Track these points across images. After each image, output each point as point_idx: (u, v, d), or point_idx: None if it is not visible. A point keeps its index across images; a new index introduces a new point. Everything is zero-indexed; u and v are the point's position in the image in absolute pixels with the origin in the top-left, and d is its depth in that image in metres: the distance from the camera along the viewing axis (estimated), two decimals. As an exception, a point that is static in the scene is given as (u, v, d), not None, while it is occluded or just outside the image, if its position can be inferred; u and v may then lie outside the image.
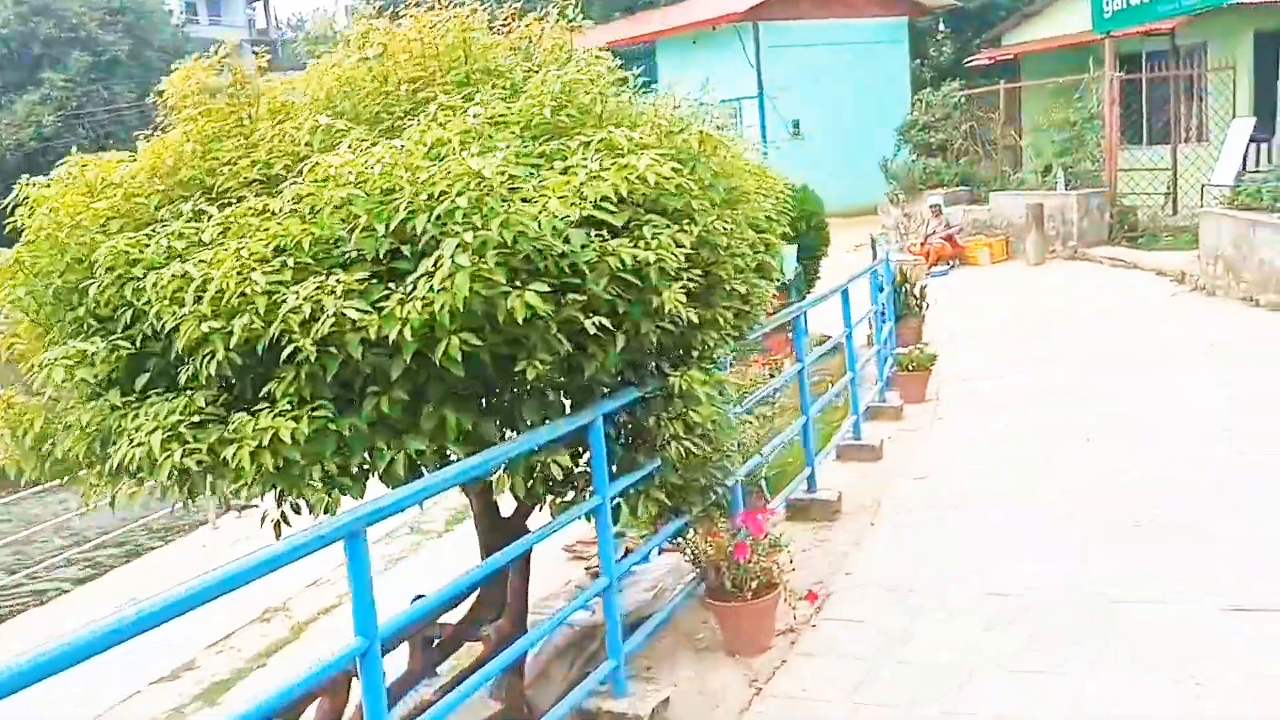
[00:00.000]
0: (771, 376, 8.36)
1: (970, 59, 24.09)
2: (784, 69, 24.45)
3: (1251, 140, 14.72)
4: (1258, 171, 13.70)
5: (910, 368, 9.05)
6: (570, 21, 4.66)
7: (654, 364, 4.22)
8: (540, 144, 3.90)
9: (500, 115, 3.79)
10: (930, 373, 9.16)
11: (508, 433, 3.79)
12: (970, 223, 17.72)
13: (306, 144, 3.86)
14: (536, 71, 4.33)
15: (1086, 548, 5.43)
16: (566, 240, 3.42)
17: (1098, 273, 14.74)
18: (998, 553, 5.45)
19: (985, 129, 19.57)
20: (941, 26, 27.26)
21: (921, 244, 17.38)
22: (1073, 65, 18.28)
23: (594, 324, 3.46)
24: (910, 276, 11.72)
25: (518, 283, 3.28)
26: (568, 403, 3.88)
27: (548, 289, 3.27)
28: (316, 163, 3.40)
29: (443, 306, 3.12)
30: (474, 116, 3.60)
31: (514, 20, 4.84)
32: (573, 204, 3.46)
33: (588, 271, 3.50)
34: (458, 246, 3.13)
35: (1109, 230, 15.93)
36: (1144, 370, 9.33)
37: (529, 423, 3.65)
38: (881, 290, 10.17)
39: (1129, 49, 18.11)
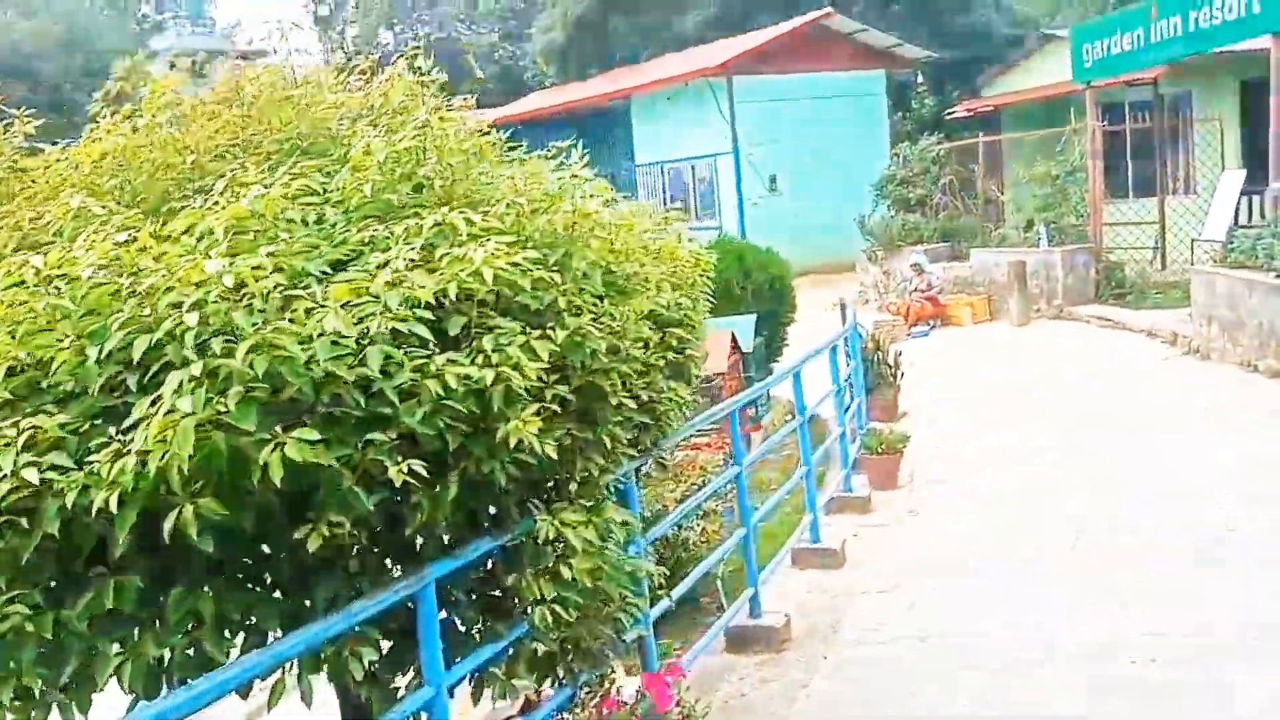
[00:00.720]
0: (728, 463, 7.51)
1: (949, 111, 23.54)
2: (760, 124, 23.86)
3: (1242, 193, 14.00)
4: (1250, 226, 12.96)
5: (879, 450, 8.18)
6: (421, 73, 3.82)
7: (519, 503, 3.34)
8: (361, 230, 3.05)
9: (301, 194, 2.94)
10: (901, 455, 8.29)
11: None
12: (951, 280, 16.95)
13: (56, 233, 3.00)
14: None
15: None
16: (363, 362, 2.56)
17: (1085, 334, 13.94)
18: (975, 702, 4.54)
19: (967, 184, 18.91)
20: (920, 79, 26.71)
21: (903, 304, 16.59)
22: (1054, 117, 17.66)
23: (401, 471, 2.59)
24: (882, 343, 10.89)
25: (281, 427, 2.42)
26: (396, 567, 3.00)
27: (316, 436, 2.39)
28: (24, 261, 2.54)
29: (167, 462, 2.25)
30: (251, 200, 2.73)
31: (370, 76, 4.02)
32: (371, 313, 2.60)
33: (397, 402, 2.64)
34: (184, 381, 2.27)
35: (1095, 287, 15.16)
36: (1135, 444, 8.51)
37: (326, 602, 2.75)
38: (850, 361, 9.35)
39: (1111, 99, 17.49)
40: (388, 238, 3.02)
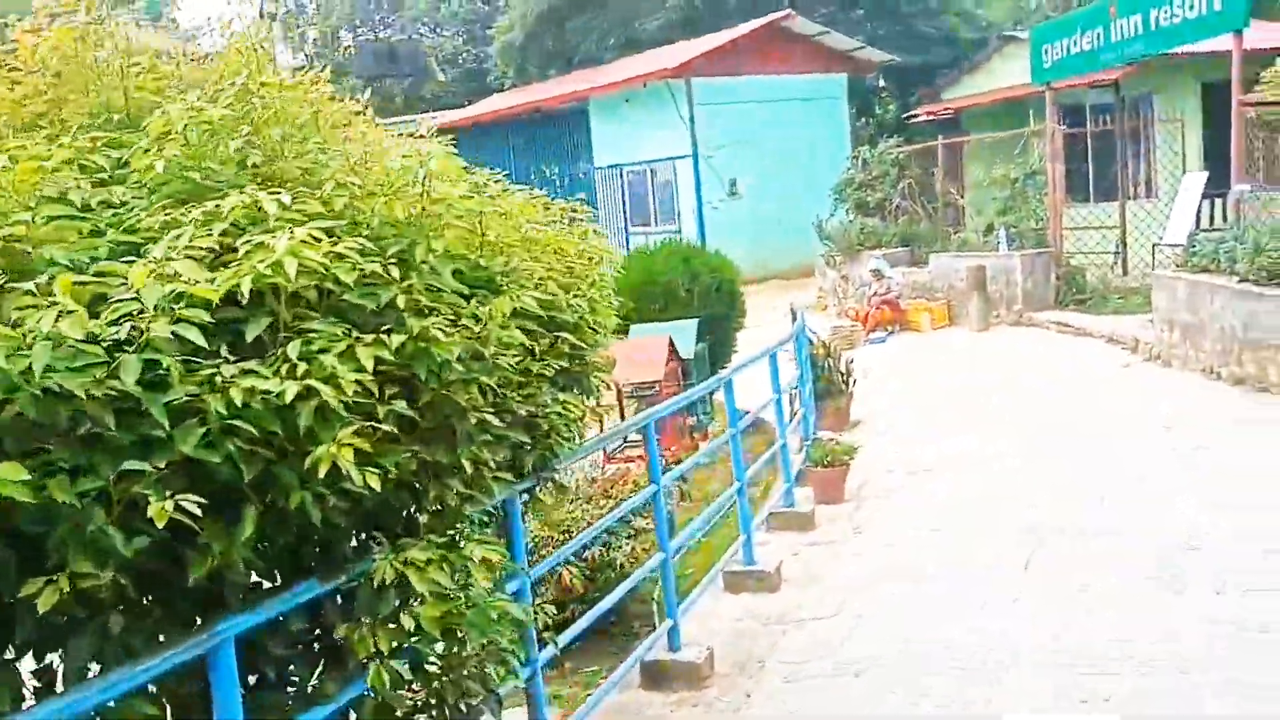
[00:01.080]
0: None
1: (910, 115, 23.25)
2: (719, 127, 23.46)
3: (1204, 196, 13.70)
4: (1213, 230, 12.65)
5: (824, 463, 7.72)
6: (268, 18, 3.28)
7: (358, 540, 2.84)
8: (154, 216, 2.54)
9: (66, 166, 2.43)
10: (848, 467, 7.83)
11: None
12: (910, 285, 16.57)
13: None
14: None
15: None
16: (117, 374, 2.06)
17: (1045, 340, 13.58)
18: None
19: (927, 188, 18.56)
20: (883, 83, 26.45)
21: (861, 309, 16.20)
22: (1014, 119, 17.36)
23: (165, 509, 2.08)
24: (833, 349, 10.45)
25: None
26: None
27: (23, 473, 1.88)
28: None
29: None
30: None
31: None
32: (127, 314, 2.10)
33: (165, 423, 2.13)
34: None
35: (1056, 292, 14.82)
36: (1096, 451, 8.14)
37: (78, 670, 2.23)
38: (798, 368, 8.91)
39: (1072, 101, 17.21)
40: (189, 224, 2.51)
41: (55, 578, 2.05)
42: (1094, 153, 17.17)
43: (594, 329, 3.98)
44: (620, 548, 6.49)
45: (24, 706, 2.20)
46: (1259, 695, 4.22)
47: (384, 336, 2.54)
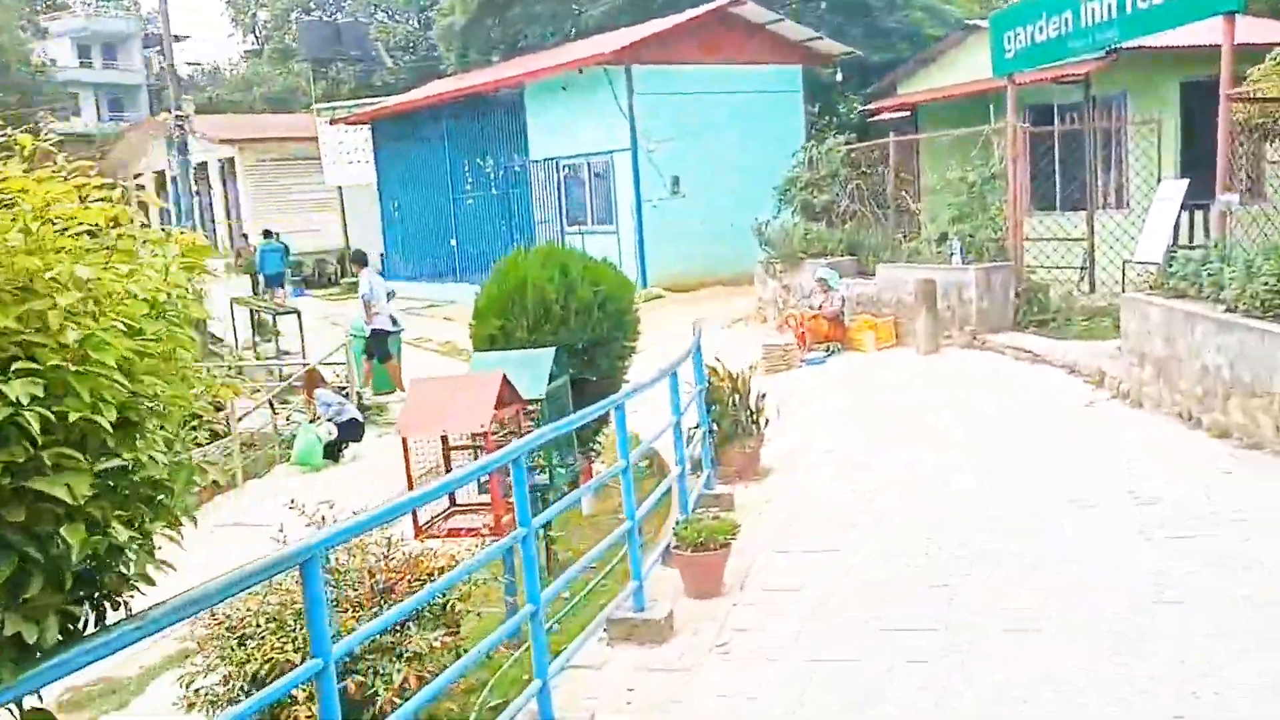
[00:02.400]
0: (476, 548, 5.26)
1: (873, 113, 21.55)
2: (662, 119, 21.65)
3: (1183, 207, 12.01)
4: (1193, 246, 10.99)
5: (696, 543, 5.92)
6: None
7: None
8: None
9: None
10: (729, 550, 6.04)
11: None
12: (855, 298, 14.85)
13: None
14: None
15: None
16: None
17: (999, 366, 11.87)
18: None
19: (881, 190, 16.82)
20: (841, 77, 24.69)
21: (797, 323, 14.46)
22: (977, 117, 15.68)
23: None
24: (741, 381, 8.68)
25: None
26: None
27: None
28: None
29: None
30: None
31: None
32: None
33: None
34: None
35: (1015, 312, 13.13)
36: (1053, 516, 6.41)
37: None
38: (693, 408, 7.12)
39: (1039, 100, 15.56)
40: None
41: None
42: (1061, 156, 15.51)
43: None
44: (389, 676, 4.72)
45: None
46: None
47: None
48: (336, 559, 5.32)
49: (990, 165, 13.67)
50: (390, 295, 15.48)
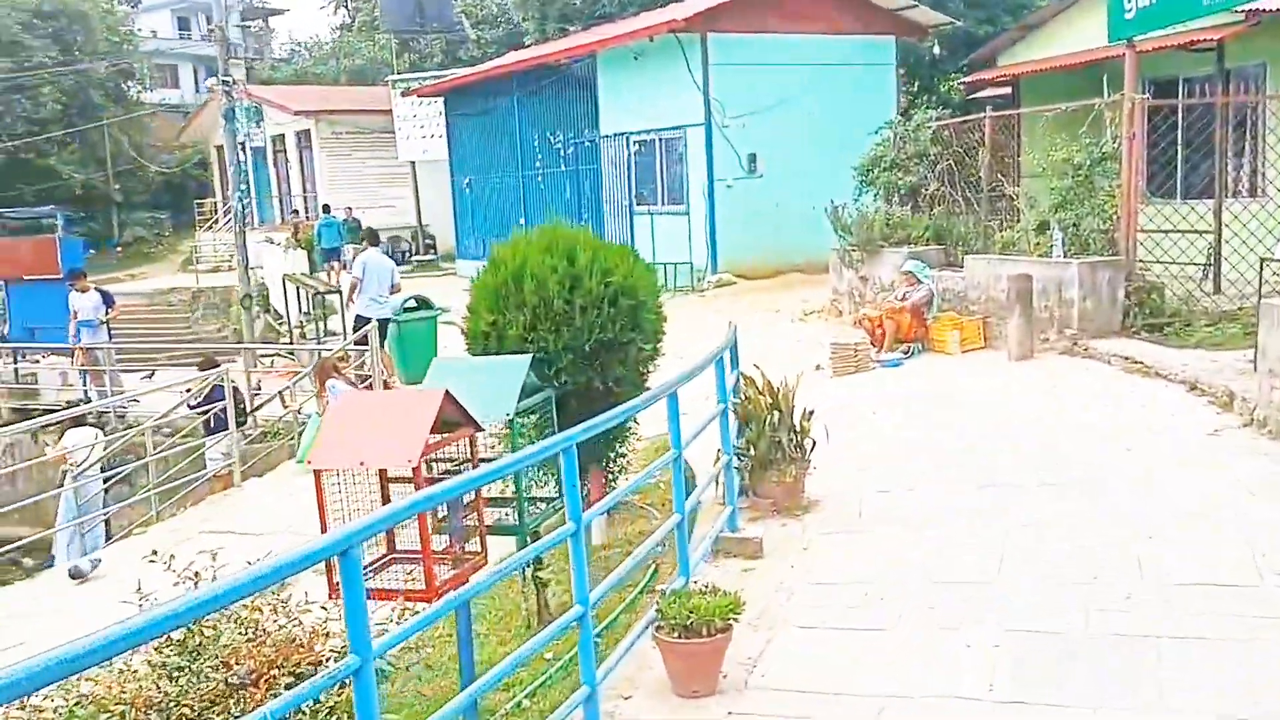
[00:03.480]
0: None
1: (967, 84, 19.65)
2: (740, 92, 20.05)
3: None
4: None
5: (685, 625, 4.49)
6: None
7: None
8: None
9: None
10: (728, 636, 4.58)
11: None
12: (942, 293, 13.17)
13: None
14: None
15: None
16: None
17: (1102, 379, 10.13)
18: None
19: (976, 172, 15.00)
20: (938, 50, 22.77)
21: (873, 319, 12.86)
22: (1085, 91, 13.79)
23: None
24: (783, 395, 7.19)
25: None
26: None
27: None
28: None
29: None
30: None
31: None
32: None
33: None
34: None
35: (1124, 315, 11.34)
36: (1155, 598, 4.83)
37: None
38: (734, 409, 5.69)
39: (1162, 71, 13.62)
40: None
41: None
42: (1185, 136, 13.53)
43: None
44: None
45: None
46: None
47: None
48: (214, 627, 4.07)
49: (1101, 145, 11.83)
50: (394, 287, 14.22)
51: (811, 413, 7.29)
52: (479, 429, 4.93)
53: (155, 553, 4.19)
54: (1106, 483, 7.02)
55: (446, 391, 4.68)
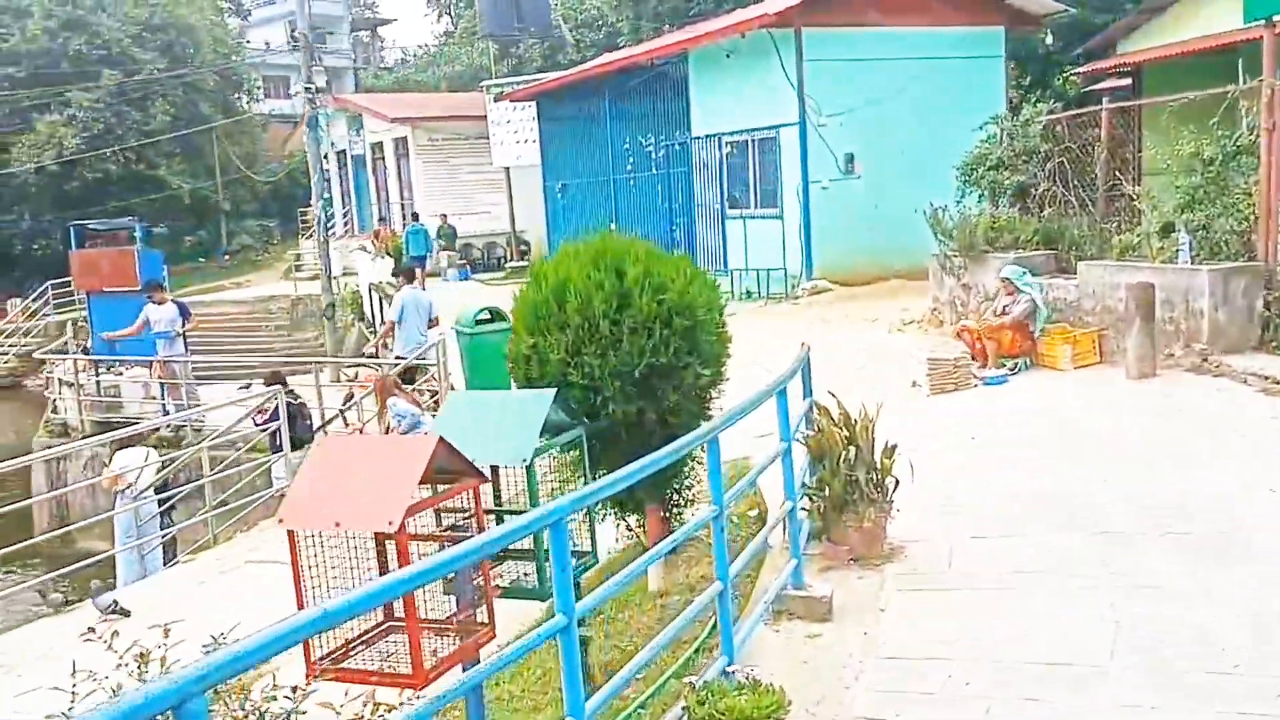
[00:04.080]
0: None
1: (1084, 75, 18.29)
2: (836, 90, 19.02)
3: None
4: None
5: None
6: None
7: None
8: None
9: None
10: (773, 737, 3.79)
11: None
12: (1051, 303, 12.03)
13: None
14: None
15: None
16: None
17: (1237, 402, 8.96)
18: None
19: (1090, 170, 13.77)
20: (1051, 41, 21.37)
21: (974, 332, 11.81)
22: (1216, 79, 12.49)
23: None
24: (860, 428, 6.33)
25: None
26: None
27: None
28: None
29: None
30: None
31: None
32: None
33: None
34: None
35: (1263, 328, 10.13)
36: None
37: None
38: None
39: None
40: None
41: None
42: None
43: None
44: None
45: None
46: None
47: None
48: None
49: (1236, 137, 10.60)
50: (432, 321, 13.61)
51: (895, 447, 6.40)
52: (484, 480, 4.22)
53: (92, 630, 3.58)
54: (1244, 535, 5.97)
55: (441, 439, 3.98)
